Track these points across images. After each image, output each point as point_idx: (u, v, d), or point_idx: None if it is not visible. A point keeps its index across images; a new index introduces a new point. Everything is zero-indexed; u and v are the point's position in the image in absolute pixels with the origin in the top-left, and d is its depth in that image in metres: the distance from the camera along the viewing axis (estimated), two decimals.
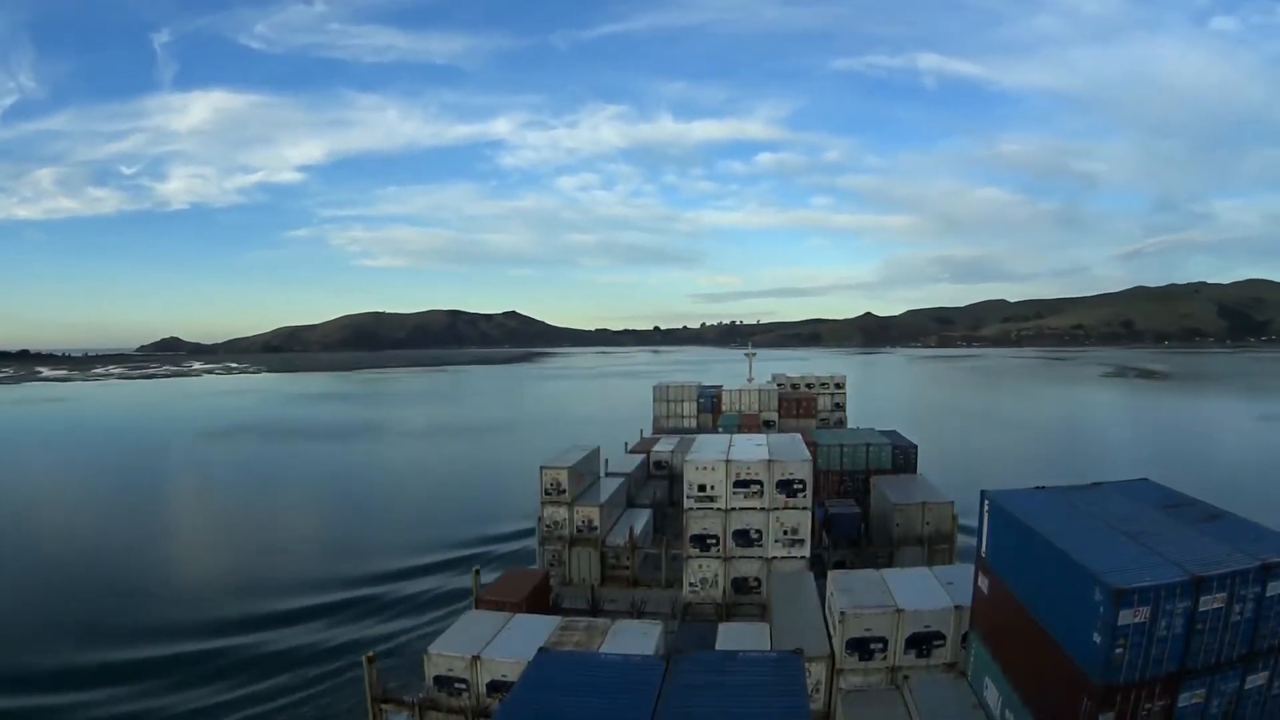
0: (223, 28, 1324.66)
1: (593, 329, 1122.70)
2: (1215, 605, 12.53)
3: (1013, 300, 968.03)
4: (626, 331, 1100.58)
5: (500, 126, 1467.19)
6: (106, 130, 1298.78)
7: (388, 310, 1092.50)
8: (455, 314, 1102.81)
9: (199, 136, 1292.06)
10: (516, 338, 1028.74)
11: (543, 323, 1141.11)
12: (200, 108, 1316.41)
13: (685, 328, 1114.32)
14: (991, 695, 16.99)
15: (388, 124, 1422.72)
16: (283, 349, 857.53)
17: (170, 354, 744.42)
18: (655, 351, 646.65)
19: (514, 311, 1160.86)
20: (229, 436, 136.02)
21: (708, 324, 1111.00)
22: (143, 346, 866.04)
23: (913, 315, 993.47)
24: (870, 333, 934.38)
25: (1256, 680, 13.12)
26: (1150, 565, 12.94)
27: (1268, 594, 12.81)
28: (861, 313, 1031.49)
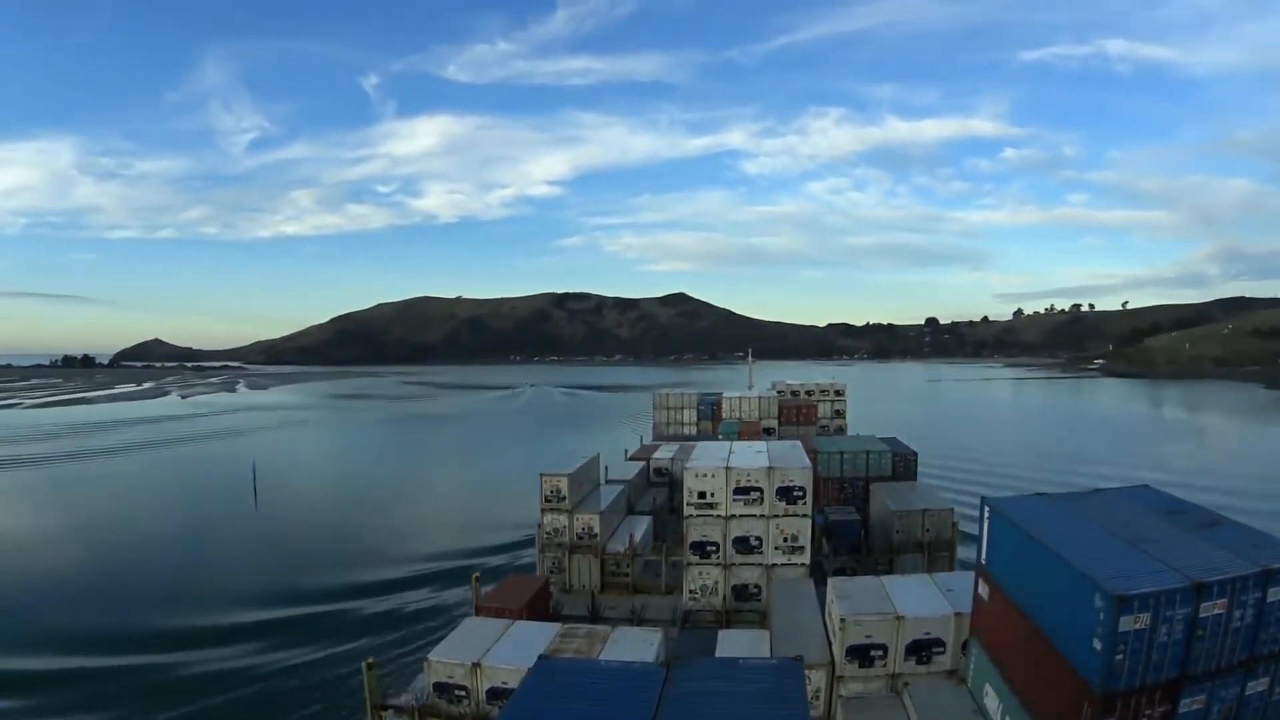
0: (424, 67, 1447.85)
1: (822, 324, 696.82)
2: (1216, 611, 12.51)
3: None
4: (876, 328, 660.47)
5: (734, 137, 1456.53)
6: (348, 156, 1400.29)
7: (441, 295, 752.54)
8: (562, 299, 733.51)
9: (439, 157, 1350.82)
10: (665, 339, 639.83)
11: (726, 311, 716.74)
12: (429, 131, 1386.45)
13: (986, 319, 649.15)
14: (992, 702, 16.95)
15: (619, 139, 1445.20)
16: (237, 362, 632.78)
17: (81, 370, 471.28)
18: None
19: (681, 294, 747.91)
20: None
21: (1027, 311, 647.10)
22: (122, 351, 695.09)
23: None
24: None
25: (1257, 686, 13.09)
26: (1151, 571, 12.93)
27: (1268, 600, 12.80)
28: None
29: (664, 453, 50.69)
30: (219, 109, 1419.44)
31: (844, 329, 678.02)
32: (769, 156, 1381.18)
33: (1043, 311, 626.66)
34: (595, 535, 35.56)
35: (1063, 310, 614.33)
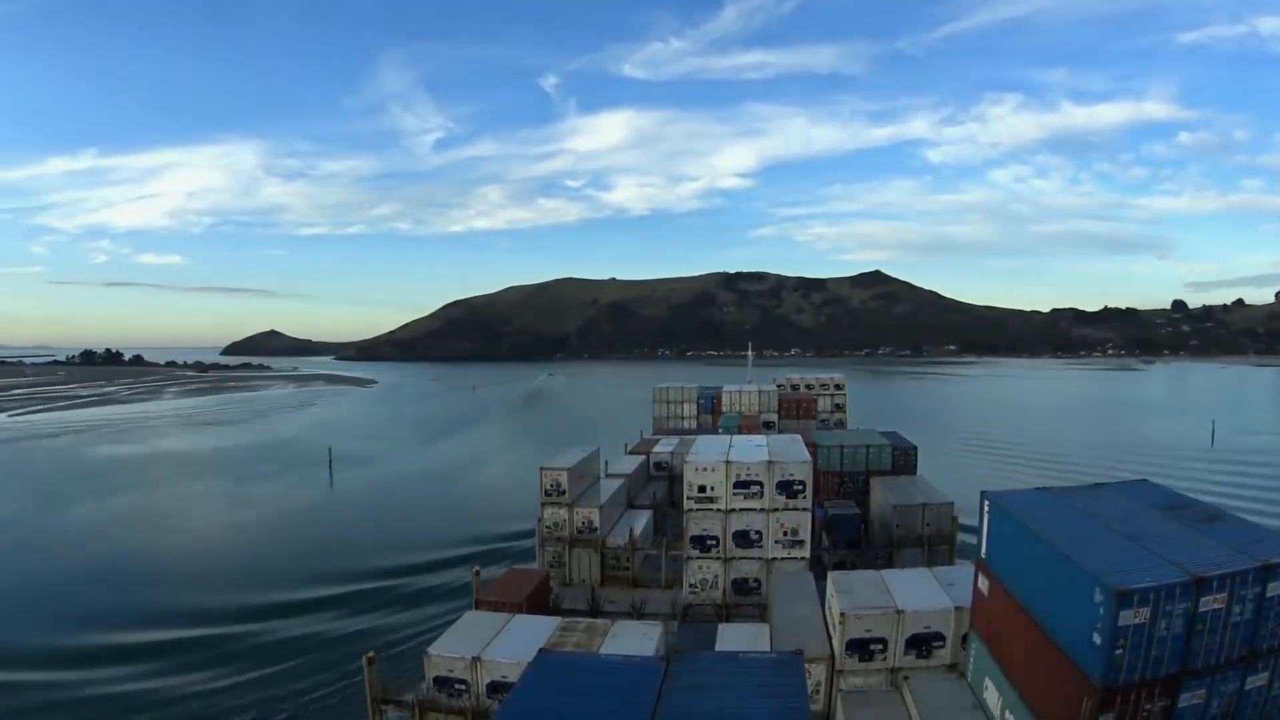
0: (601, 65, 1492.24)
1: (1046, 310, 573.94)
2: (1215, 606, 12.53)
3: None
4: (1116, 314, 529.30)
5: (915, 126, 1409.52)
6: (533, 152, 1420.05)
7: (587, 276, 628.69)
8: (732, 279, 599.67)
9: (625, 151, 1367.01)
10: (855, 328, 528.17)
11: (933, 294, 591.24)
12: (612, 126, 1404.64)
13: (1241, 302, 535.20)
14: (991, 696, 16.97)
15: (801, 130, 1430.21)
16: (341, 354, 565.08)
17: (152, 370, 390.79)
18: None
19: (877, 272, 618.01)
20: None
21: (1213, 301, 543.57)
22: (234, 343, 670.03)
23: None
24: None
25: (1257, 681, 13.11)
26: (1151, 566, 12.93)
27: (1268, 595, 12.81)
28: None
29: (664, 447, 50.69)
30: (400, 110, 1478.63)
31: (1074, 315, 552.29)
32: (951, 145, 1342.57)
33: None
34: (595, 529, 35.58)
35: None
